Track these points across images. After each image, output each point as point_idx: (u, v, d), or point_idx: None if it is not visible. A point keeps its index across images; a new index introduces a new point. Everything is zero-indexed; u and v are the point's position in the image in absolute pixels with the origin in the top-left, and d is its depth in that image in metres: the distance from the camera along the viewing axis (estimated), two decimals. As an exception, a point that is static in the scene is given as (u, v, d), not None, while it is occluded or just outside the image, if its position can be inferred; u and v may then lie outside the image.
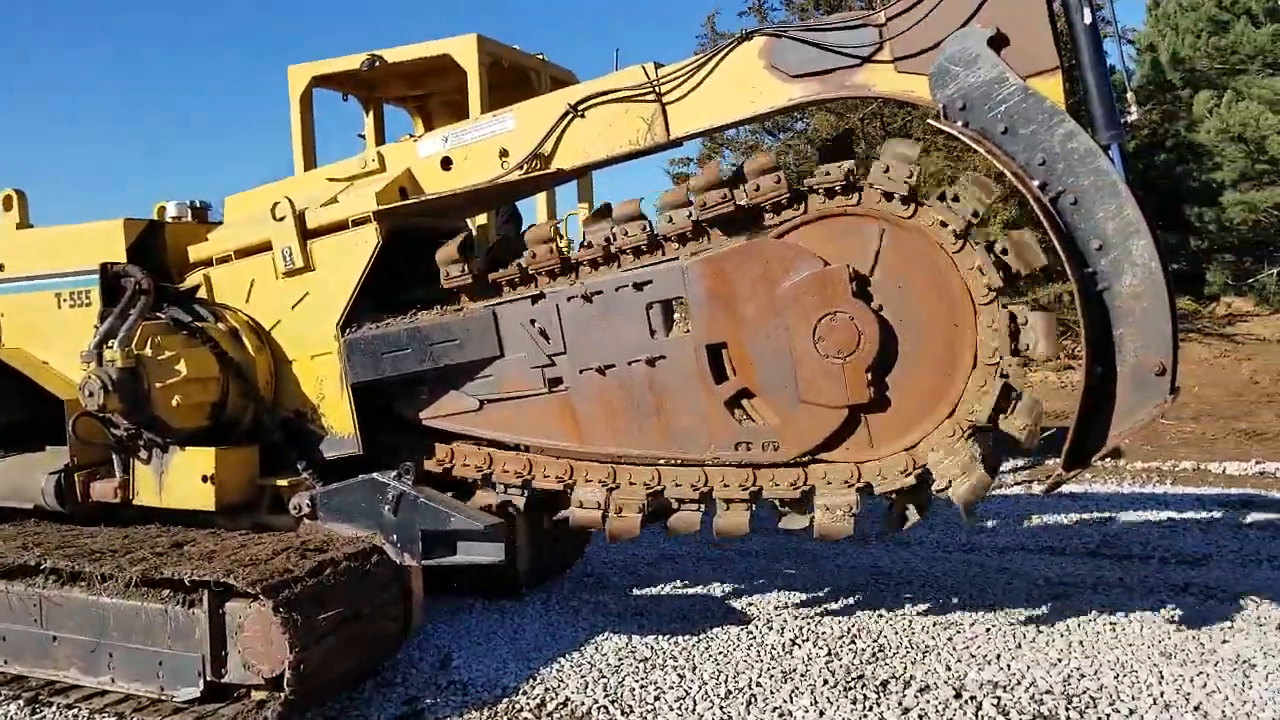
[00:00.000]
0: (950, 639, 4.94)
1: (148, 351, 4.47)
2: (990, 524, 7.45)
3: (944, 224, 3.82)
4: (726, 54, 4.10)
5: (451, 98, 5.75)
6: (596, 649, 4.94)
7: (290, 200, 4.72)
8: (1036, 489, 8.77)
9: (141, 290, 4.68)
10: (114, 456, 4.79)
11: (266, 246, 4.81)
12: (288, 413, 4.84)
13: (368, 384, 4.67)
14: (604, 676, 4.59)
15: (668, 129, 4.24)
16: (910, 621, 5.24)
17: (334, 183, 4.83)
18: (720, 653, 4.85)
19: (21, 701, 4.44)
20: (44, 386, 4.96)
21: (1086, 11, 3.76)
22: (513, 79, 5.53)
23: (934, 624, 5.18)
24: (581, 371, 4.43)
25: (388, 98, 6.22)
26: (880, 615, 5.36)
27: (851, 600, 5.64)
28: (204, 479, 4.57)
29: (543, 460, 4.62)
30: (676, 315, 4.50)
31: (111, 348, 4.43)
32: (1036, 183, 3.69)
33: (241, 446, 4.76)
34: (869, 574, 6.18)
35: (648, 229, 4.25)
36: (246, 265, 4.92)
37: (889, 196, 3.89)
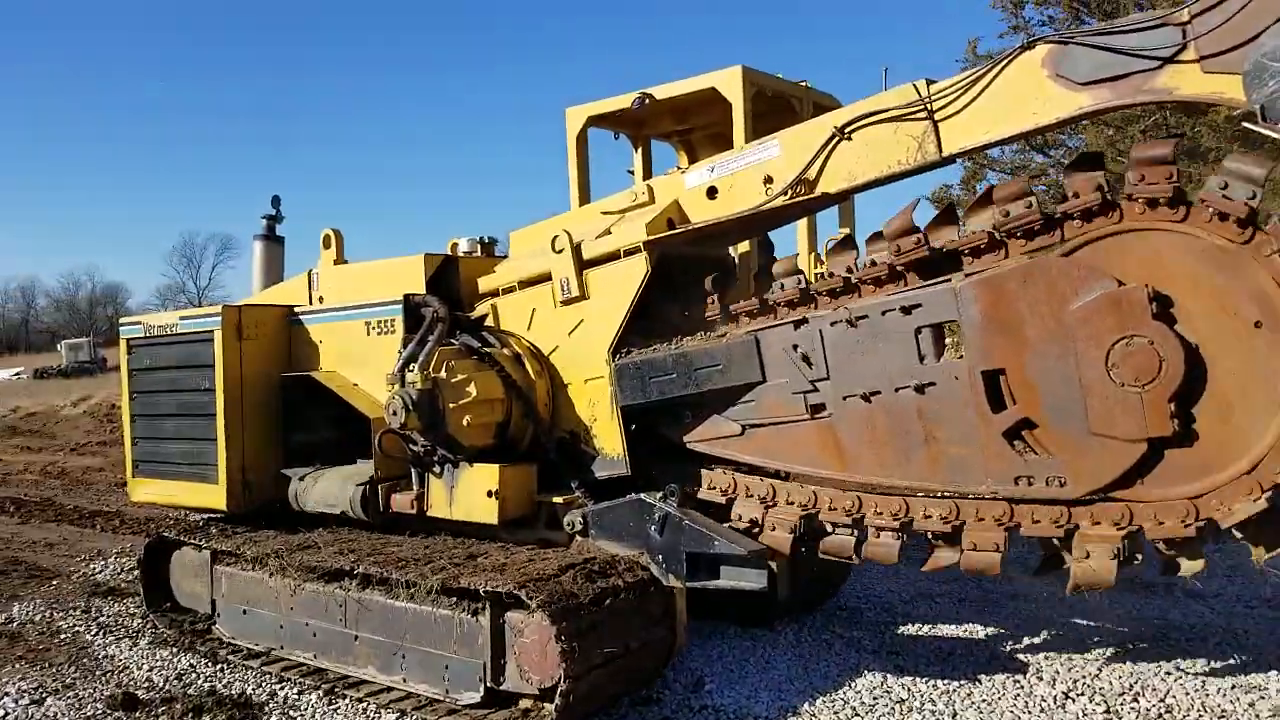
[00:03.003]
0: (1253, 704, 4.41)
1: (443, 374, 4.85)
2: (1305, 577, 6.54)
3: None
4: (1006, 65, 3.92)
5: (715, 130, 5.89)
6: (850, 686, 4.81)
7: (568, 233, 4.99)
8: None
9: (439, 318, 5.09)
10: (411, 471, 5.20)
11: (546, 277, 5.11)
12: (563, 433, 5.09)
13: (636, 407, 4.82)
14: (858, 715, 4.46)
15: (939, 146, 4.10)
16: (1204, 682, 4.72)
17: (607, 216, 5.06)
18: (984, 700, 4.58)
19: (321, 691, 4.92)
20: (354, 406, 5.51)
21: None
22: (776, 108, 5.58)
23: (1232, 686, 4.64)
24: (845, 398, 4.35)
25: (655, 134, 6.46)
26: (1168, 673, 4.86)
27: (1134, 653, 5.16)
28: (489, 494, 4.88)
29: (785, 487, 4.56)
30: (948, 340, 4.32)
31: (412, 371, 4.85)
32: None
33: (521, 464, 5.04)
34: (1154, 626, 5.62)
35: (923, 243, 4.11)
36: (529, 295, 5.24)
37: (1224, 217, 3.53)
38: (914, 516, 4.22)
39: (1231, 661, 4.99)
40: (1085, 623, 5.76)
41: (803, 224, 5.97)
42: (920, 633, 5.69)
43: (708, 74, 5.33)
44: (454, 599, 4.47)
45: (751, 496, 4.65)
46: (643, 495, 4.69)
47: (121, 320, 6.75)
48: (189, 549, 5.90)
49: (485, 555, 4.77)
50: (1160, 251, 3.67)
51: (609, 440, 4.90)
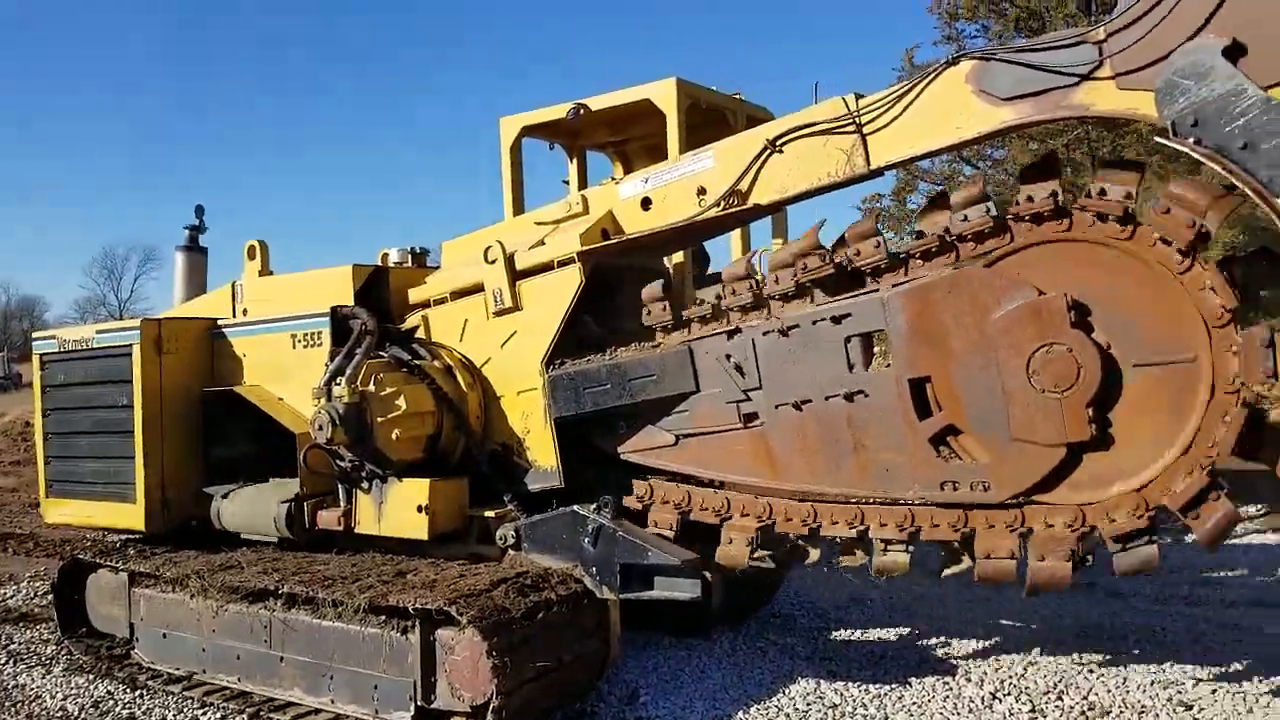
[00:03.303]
0: (1170, 699, 4.56)
1: (371, 388, 4.76)
2: (1216, 575, 6.79)
3: (1166, 241, 3.56)
4: (931, 80, 4.00)
5: (650, 141, 5.91)
6: (784, 693, 4.84)
7: (501, 244, 4.95)
8: (1273, 537, 7.95)
9: (367, 331, 5.00)
10: (339, 487, 5.10)
11: (479, 288, 5.06)
12: (495, 446, 5.03)
13: (570, 418, 4.78)
14: (791, 722, 4.48)
15: (868, 159, 4.17)
16: (1124, 679, 4.86)
17: (541, 226, 5.04)
18: (915, 703, 4.65)
19: (245, 716, 4.78)
20: (279, 421, 5.37)
21: None
22: (710, 119, 5.62)
23: (1151, 682, 4.79)
24: (777, 407, 4.38)
25: (590, 144, 6.47)
26: (1090, 670, 5.00)
27: (1058, 653, 5.29)
28: (419, 509, 4.80)
29: (739, 499, 4.57)
30: (876, 349, 4.38)
31: (339, 384, 4.74)
32: None
33: (452, 478, 4.97)
34: (1078, 625, 5.79)
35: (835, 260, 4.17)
36: (460, 306, 5.18)
37: (1103, 218, 3.66)
38: (869, 525, 4.24)
39: (1150, 658, 5.14)
40: (1011, 624, 5.90)
41: (736, 234, 6.01)
42: (853, 638, 5.76)
43: (643, 86, 5.36)
44: (383, 617, 4.38)
45: (706, 509, 4.63)
46: (576, 508, 4.66)
47: (35, 335, 6.53)
48: (106, 571, 5.70)
49: (415, 572, 4.68)
50: (1062, 261, 3.78)
51: (542, 452, 4.86)
